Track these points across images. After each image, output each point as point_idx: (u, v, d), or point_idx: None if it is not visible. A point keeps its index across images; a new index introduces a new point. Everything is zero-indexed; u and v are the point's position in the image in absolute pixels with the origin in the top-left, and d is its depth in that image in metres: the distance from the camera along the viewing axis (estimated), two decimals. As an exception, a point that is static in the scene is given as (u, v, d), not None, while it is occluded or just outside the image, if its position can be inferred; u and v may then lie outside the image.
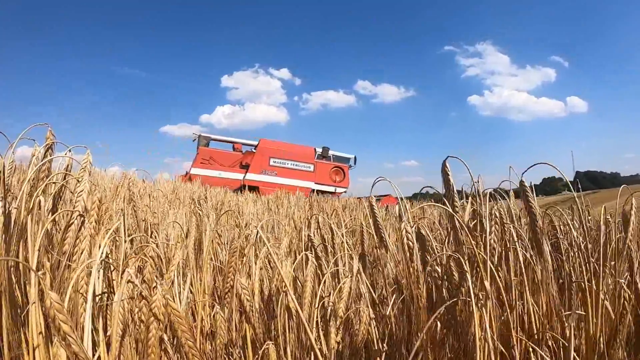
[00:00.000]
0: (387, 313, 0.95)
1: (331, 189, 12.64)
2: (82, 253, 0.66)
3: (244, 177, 11.94)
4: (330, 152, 13.24)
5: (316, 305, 0.83)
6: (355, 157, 13.61)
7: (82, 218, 0.67)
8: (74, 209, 0.67)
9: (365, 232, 1.32)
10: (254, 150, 12.25)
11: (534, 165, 0.88)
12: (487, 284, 0.72)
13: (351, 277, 0.88)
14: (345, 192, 12.83)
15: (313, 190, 11.94)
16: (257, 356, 0.76)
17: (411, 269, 0.73)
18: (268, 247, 0.77)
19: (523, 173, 0.86)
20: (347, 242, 1.34)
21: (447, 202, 0.89)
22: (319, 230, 1.44)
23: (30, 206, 0.71)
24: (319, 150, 13.04)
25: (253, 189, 11.19)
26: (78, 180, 0.70)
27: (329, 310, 0.87)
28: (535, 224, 0.77)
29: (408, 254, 0.71)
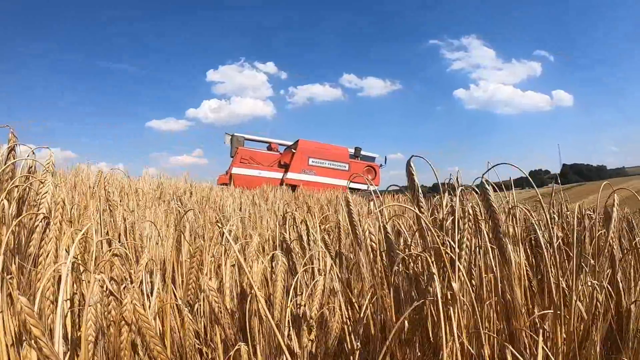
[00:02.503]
0: (363, 313, 0.95)
1: (364, 187, 12.92)
2: (47, 256, 0.65)
3: (284, 176, 12.26)
4: (362, 152, 13.69)
5: (287, 305, 0.83)
6: (385, 157, 14.11)
7: (47, 220, 0.67)
8: (38, 211, 0.67)
9: (343, 229, 1.32)
10: (292, 150, 12.51)
11: (496, 165, 0.89)
12: (454, 285, 0.73)
13: (324, 276, 0.89)
14: (376, 189, 13.13)
15: (349, 189, 12.24)
16: (228, 357, 0.76)
17: (375, 270, 0.74)
18: (234, 248, 0.77)
19: (484, 173, 0.87)
20: (324, 238, 1.35)
21: (412, 202, 0.89)
22: (295, 227, 1.44)
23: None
24: (351, 150, 13.45)
25: (293, 188, 11.58)
26: (41, 182, 0.69)
27: (301, 310, 0.88)
28: (498, 230, 0.78)
29: (372, 255, 0.72)
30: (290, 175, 12.25)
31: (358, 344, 0.93)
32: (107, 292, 0.64)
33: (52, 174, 0.71)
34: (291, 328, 0.83)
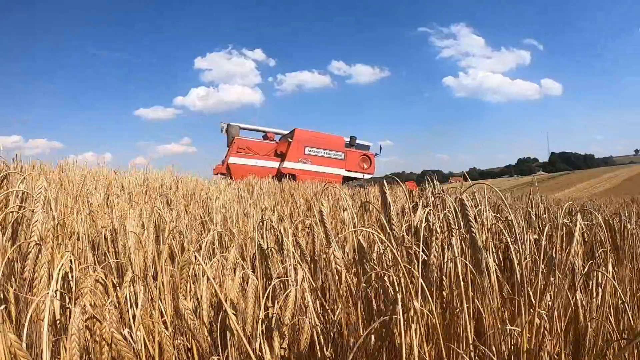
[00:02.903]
0: (334, 325, 1.03)
1: (359, 175, 13.38)
2: (41, 280, 0.73)
3: (281, 165, 12.53)
4: (357, 141, 13.91)
5: (259, 317, 0.91)
6: (380, 146, 14.46)
7: (39, 246, 0.74)
8: (30, 238, 0.74)
9: (317, 235, 1.39)
10: (289, 140, 12.67)
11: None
12: (416, 304, 0.80)
13: (295, 287, 0.97)
14: (371, 177, 13.60)
15: (344, 177, 13.05)
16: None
17: (340, 291, 0.82)
18: (208, 272, 0.84)
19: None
20: (300, 244, 1.43)
21: (384, 220, 0.96)
22: (272, 230, 1.52)
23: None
24: (347, 139, 13.64)
25: (289, 177, 11.70)
26: (32, 212, 0.76)
27: (273, 320, 0.96)
28: (476, 247, 0.85)
29: (337, 277, 0.80)
30: (287, 164, 12.46)
31: (330, 352, 1.01)
32: (90, 315, 0.72)
33: (42, 202, 0.78)
34: (263, 339, 0.90)
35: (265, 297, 0.94)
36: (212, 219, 2.42)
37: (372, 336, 0.89)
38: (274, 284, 1.01)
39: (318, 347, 0.97)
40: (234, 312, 0.84)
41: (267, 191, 4.89)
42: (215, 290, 0.89)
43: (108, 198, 2.45)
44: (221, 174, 12.39)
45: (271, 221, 1.58)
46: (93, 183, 3.73)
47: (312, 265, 1.33)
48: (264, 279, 1.18)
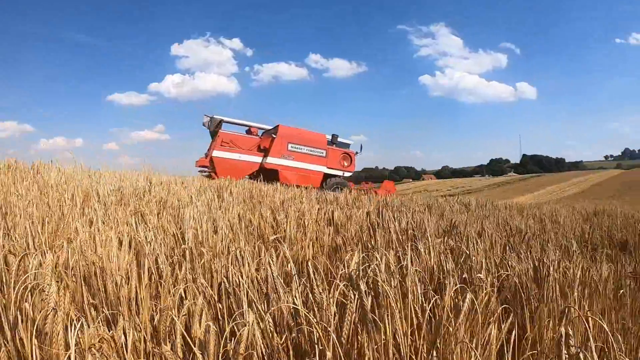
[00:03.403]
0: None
1: (340, 172, 13.94)
2: (58, 334, 1.00)
3: (264, 160, 12.90)
4: (338, 139, 14.40)
5: (220, 350, 1.21)
6: (361, 145, 15.04)
7: (55, 310, 1.02)
8: (47, 304, 1.02)
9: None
10: (272, 135, 13.05)
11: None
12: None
13: (247, 327, 1.26)
14: (351, 175, 14.31)
15: (325, 174, 13.54)
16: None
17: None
18: (179, 327, 1.14)
19: None
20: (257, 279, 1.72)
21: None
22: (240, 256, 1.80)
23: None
24: (329, 137, 14.12)
25: (272, 172, 12.57)
26: (48, 284, 1.04)
27: (231, 353, 1.26)
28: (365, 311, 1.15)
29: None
30: (270, 159, 12.83)
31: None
32: None
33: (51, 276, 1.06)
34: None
35: (224, 337, 1.23)
36: (184, 236, 2.66)
37: None
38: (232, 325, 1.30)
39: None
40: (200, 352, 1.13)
41: (237, 198, 5.12)
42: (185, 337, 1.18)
43: (88, 216, 2.69)
44: (204, 167, 12.67)
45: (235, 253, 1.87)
46: (69, 190, 3.93)
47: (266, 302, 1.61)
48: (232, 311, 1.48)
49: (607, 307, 2.13)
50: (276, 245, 2.85)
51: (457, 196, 11.97)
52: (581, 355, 1.05)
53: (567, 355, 1.07)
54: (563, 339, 1.07)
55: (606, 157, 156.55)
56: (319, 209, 4.42)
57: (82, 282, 1.68)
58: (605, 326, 1.28)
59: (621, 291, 2.32)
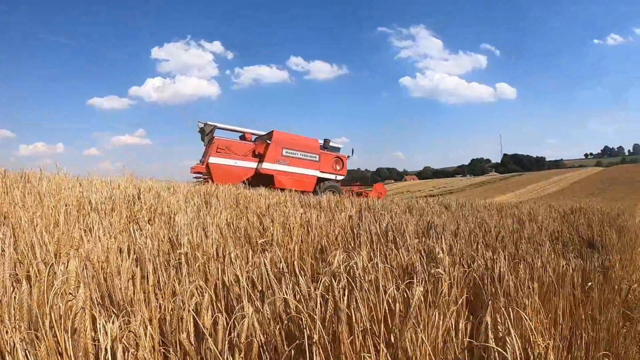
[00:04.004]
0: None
1: (333, 176, 14.35)
2: (86, 330, 1.25)
3: (259, 166, 13.20)
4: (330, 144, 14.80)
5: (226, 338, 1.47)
6: (353, 149, 15.42)
7: (83, 309, 1.26)
8: (77, 304, 1.26)
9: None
10: (267, 141, 13.37)
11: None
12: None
13: (247, 318, 1.52)
14: (343, 178, 14.72)
15: (318, 178, 13.94)
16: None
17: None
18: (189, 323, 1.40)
19: None
20: (253, 279, 1.97)
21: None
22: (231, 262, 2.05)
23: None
24: (321, 141, 14.56)
25: (266, 178, 12.84)
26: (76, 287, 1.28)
27: (234, 341, 1.51)
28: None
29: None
30: (265, 165, 13.17)
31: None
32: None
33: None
34: (228, 353, 1.46)
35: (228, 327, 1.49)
36: (179, 241, 2.88)
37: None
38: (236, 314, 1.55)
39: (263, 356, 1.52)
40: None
41: (224, 203, 5.32)
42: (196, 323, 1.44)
43: (85, 226, 2.89)
44: (200, 173, 12.87)
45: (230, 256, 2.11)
46: (63, 199, 4.13)
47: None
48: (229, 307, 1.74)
49: (569, 300, 2.38)
50: (264, 248, 3.07)
51: (438, 197, 12.35)
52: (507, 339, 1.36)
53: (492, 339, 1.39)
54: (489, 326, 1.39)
55: (586, 155, 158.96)
56: (302, 213, 4.66)
57: (96, 286, 1.91)
58: (525, 317, 1.57)
59: (589, 284, 2.60)
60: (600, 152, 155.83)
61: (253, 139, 13.94)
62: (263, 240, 3.30)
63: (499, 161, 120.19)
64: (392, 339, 1.55)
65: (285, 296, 1.63)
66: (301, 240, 3.40)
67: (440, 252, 2.56)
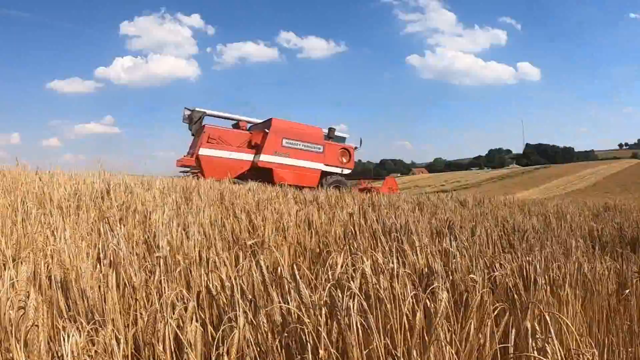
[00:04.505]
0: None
1: (338, 170, 14.11)
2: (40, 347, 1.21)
3: (256, 158, 12.93)
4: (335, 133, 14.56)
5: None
6: (361, 139, 15.08)
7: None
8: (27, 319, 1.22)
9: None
10: (265, 130, 13.07)
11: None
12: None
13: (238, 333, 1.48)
14: (350, 172, 14.44)
15: (323, 172, 13.64)
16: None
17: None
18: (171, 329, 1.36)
19: None
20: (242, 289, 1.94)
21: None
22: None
23: None
24: (325, 130, 14.30)
25: (264, 171, 12.58)
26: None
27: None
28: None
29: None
30: (263, 157, 12.88)
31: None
32: None
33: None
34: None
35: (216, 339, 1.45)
36: (157, 243, 2.83)
37: None
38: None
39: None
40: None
41: (207, 200, 5.27)
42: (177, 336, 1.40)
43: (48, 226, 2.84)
44: (188, 166, 12.56)
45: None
46: (20, 193, 4.07)
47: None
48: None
49: (605, 307, 2.35)
50: (255, 250, 3.03)
51: (451, 192, 12.05)
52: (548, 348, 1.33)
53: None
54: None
55: (621, 145, 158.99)
56: (297, 210, 4.61)
57: (60, 293, 1.86)
58: (568, 323, 1.54)
59: (627, 291, 2.56)
60: (637, 142, 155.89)
61: (248, 128, 13.76)
62: (253, 241, 3.26)
63: (521, 152, 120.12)
64: (415, 354, 1.50)
65: (286, 305, 1.59)
66: (297, 242, 3.37)
67: (458, 254, 2.52)
